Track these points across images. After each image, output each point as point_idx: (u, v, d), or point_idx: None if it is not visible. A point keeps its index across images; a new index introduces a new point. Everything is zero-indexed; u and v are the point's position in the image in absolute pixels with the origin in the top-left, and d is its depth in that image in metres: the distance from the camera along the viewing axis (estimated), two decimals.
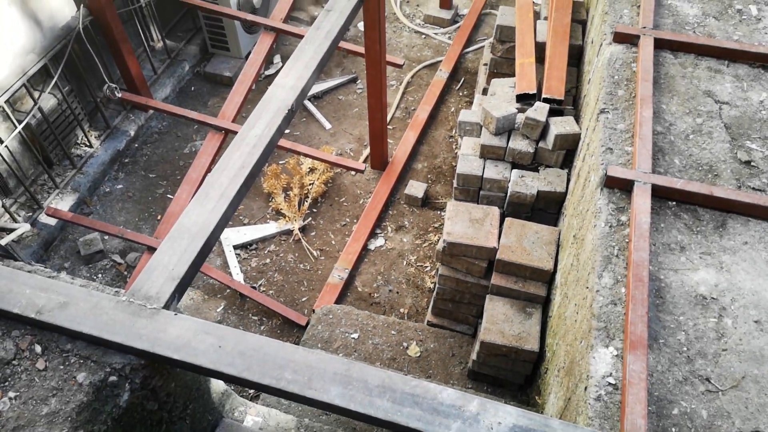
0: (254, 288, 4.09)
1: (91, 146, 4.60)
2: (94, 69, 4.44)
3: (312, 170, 4.68)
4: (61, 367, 1.80)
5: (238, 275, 4.15)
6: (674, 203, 2.39)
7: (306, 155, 4.42)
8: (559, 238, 3.15)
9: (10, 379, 1.78)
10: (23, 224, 3.86)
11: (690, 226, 2.32)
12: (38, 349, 1.84)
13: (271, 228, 4.44)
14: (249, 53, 5.28)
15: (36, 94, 4.04)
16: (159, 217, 4.37)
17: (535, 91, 3.55)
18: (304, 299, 4.08)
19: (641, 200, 2.33)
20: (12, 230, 3.53)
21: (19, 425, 1.69)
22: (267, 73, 5.58)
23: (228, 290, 4.08)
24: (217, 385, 2.41)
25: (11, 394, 1.75)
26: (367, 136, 4.81)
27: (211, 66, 5.50)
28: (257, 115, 2.59)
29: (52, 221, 4.16)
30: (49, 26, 4.07)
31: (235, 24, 5.25)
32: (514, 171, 3.44)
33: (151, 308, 1.87)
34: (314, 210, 4.56)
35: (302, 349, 1.78)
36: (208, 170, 4.22)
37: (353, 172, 4.76)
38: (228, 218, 2.24)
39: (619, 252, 2.25)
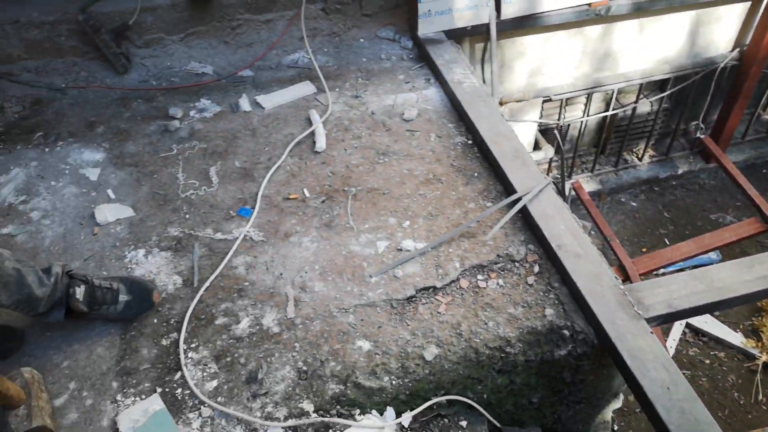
0: None
1: None
2: None
3: None
4: (542, 293, 2.08)
5: (670, 348, 3.88)
6: None
7: None
8: None
9: (506, 272, 2.16)
10: None
11: None
12: (536, 269, 2.15)
13: (733, 337, 3.93)
14: None
15: None
16: None
17: None
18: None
19: None
20: None
21: (491, 306, 2.06)
22: None
23: None
24: (609, 410, 2.40)
25: (500, 281, 2.13)
26: None
27: None
28: None
29: None
30: None
31: None
32: None
33: (636, 313, 1.94)
34: None
35: None
36: None
37: None
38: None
39: None
